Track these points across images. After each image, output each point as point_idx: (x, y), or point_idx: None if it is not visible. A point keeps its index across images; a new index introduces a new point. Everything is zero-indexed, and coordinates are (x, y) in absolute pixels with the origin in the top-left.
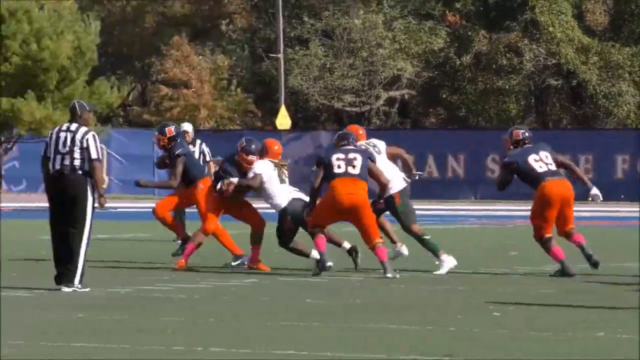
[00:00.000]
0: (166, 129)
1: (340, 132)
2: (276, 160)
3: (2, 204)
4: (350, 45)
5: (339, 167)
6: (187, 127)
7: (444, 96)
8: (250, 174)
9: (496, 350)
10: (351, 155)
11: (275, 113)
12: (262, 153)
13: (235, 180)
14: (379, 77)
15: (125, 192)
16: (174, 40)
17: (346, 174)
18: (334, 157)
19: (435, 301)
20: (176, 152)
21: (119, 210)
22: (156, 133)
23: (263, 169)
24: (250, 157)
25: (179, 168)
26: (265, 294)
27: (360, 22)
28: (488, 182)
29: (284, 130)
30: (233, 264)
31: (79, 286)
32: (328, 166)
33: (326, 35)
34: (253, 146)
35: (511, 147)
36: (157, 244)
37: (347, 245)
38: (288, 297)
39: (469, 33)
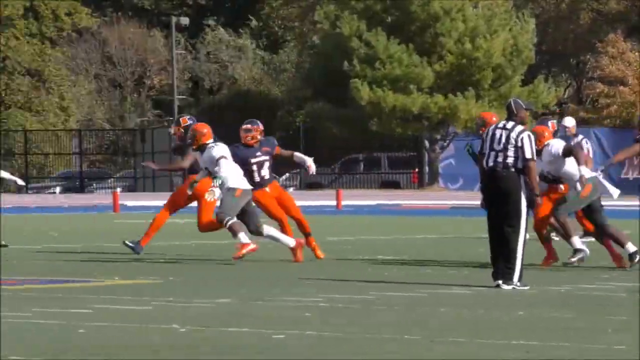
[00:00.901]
0: (181, 119)
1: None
2: None
3: (439, 202)
4: None
5: None
6: (569, 122)
7: None
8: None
9: None
10: None
11: None
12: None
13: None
14: None
15: None
16: (609, 37)
17: None
18: None
19: None
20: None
21: None
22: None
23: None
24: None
25: (192, 153)
26: None
27: None
28: None
29: None
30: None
31: (518, 284)
32: None
33: None
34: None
35: None
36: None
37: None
38: None
39: None
